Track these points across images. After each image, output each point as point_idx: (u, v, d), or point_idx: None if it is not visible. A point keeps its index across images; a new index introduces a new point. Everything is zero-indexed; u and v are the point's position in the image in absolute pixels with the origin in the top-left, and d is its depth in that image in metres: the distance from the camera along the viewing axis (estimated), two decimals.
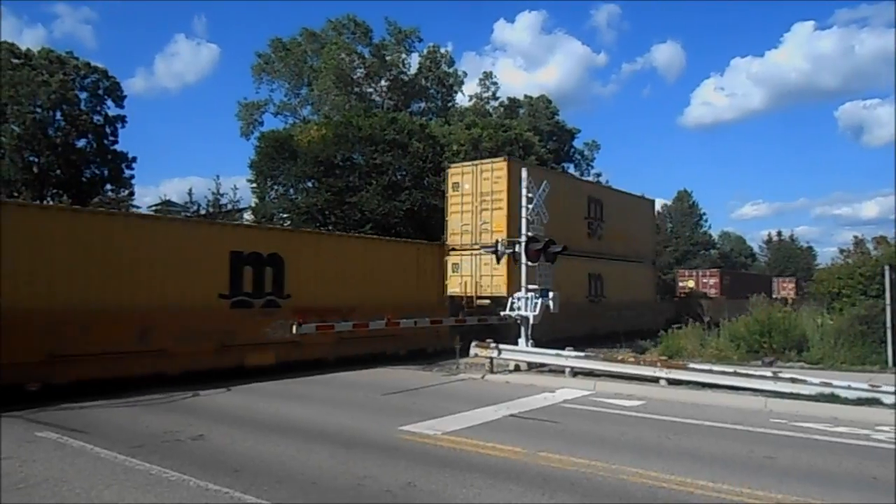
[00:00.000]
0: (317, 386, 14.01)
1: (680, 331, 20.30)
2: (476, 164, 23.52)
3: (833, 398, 11.37)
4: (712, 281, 46.12)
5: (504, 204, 21.89)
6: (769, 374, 12.64)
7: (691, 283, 46.26)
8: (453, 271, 22.59)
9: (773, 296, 49.20)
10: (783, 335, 17.63)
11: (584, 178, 31.71)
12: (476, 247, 22.03)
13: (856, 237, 60.35)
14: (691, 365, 13.96)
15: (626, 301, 28.64)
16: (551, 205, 19.84)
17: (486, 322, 19.69)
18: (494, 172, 22.42)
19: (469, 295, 21.83)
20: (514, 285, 19.26)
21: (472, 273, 22.35)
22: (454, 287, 22.00)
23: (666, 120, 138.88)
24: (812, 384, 11.82)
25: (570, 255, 20.73)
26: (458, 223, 23.30)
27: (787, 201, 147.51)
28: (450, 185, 23.85)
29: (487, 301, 21.31)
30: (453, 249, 22.98)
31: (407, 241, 24.39)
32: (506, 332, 17.53)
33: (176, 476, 6.82)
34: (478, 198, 22.73)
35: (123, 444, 8.23)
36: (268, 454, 7.97)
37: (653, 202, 36.40)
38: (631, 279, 29.95)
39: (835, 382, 11.72)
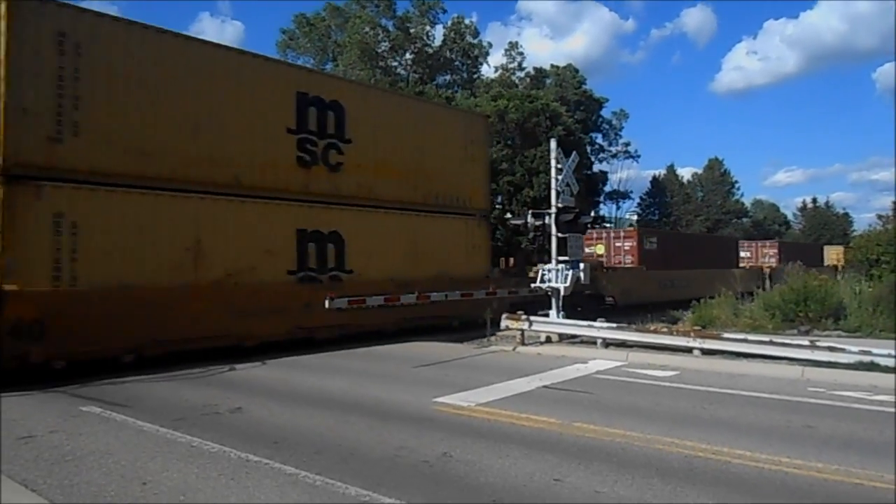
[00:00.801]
0: (351, 359, 14.16)
1: (712, 300, 20.04)
2: None
3: (872, 366, 11.18)
4: (627, 245, 30.75)
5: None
6: (806, 342, 12.46)
7: (601, 249, 31.76)
8: None
9: (744, 265, 41.74)
10: (820, 304, 17.33)
11: (288, 62, 18.72)
12: None
13: (894, 202, 58.47)
14: (725, 334, 13.86)
15: (408, 278, 17.41)
16: (157, 94, 13.07)
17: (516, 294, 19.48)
18: None
19: None
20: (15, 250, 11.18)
21: None
22: None
23: (696, 87, 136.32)
24: (850, 352, 11.64)
25: (227, 195, 14.20)
26: None
27: (822, 167, 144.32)
28: None
29: None
30: None
31: None
32: None
33: (217, 448, 6.96)
34: None
35: (165, 417, 8.42)
36: (305, 426, 8.11)
37: (485, 120, 23.32)
38: (427, 243, 18.70)
39: (874, 350, 11.53)
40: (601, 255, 30.76)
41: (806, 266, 21.06)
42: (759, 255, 45.87)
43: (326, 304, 14.43)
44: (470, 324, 17.92)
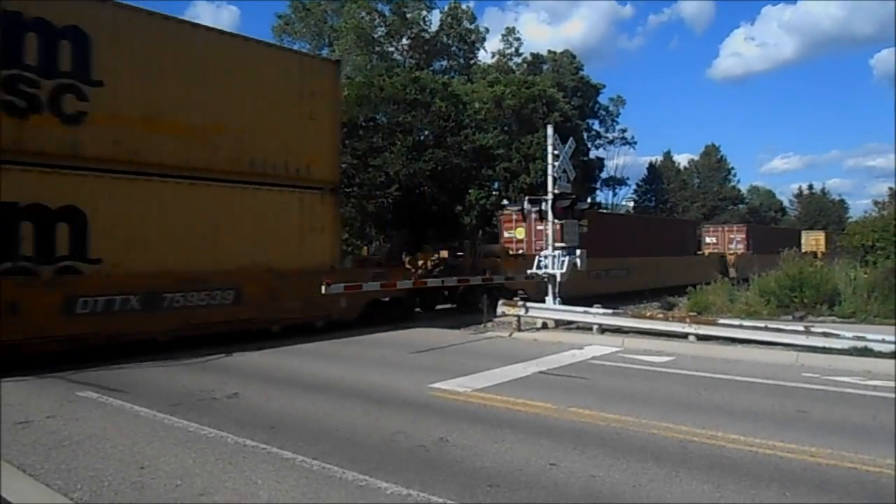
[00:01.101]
0: (348, 345, 14.18)
1: (707, 286, 20.10)
2: None
3: (866, 352, 11.25)
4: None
5: None
6: (801, 328, 12.52)
7: (521, 234, 25.44)
8: None
9: (704, 251, 37.73)
10: (814, 290, 17.39)
11: None
12: None
13: (891, 189, 57.66)
14: (721, 320, 13.90)
15: (200, 271, 13.49)
16: None
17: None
18: None
19: None
20: None
21: None
22: None
23: (694, 73, 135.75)
24: (845, 338, 11.69)
25: None
26: None
27: (818, 153, 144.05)
28: None
29: None
30: None
31: None
32: None
33: (214, 433, 6.98)
34: None
35: (162, 402, 8.44)
36: (303, 411, 8.13)
37: (332, 66, 17.79)
38: (235, 224, 14.32)
39: (868, 336, 11.59)
40: (521, 241, 25.08)
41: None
42: (725, 240, 40.37)
43: (322, 289, 13.95)
44: (301, 329, 15.07)
